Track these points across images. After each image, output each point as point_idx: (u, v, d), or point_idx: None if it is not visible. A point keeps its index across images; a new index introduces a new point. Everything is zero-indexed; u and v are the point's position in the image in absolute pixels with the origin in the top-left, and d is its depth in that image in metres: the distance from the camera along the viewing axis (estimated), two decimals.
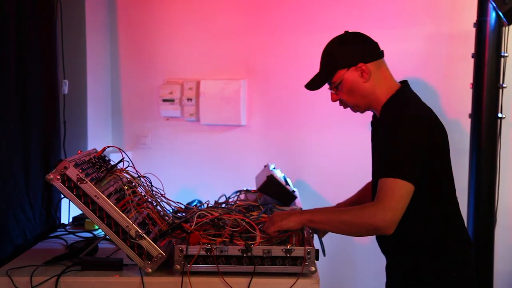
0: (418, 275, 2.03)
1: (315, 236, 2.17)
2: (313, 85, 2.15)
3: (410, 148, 1.91)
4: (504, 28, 2.96)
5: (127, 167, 2.24)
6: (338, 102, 2.19)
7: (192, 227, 2.06)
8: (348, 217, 1.94)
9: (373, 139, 2.19)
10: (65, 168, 1.98)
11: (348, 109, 2.20)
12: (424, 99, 2.13)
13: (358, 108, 2.15)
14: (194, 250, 1.98)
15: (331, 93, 2.16)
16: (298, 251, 1.98)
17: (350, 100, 2.12)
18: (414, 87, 2.16)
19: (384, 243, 2.15)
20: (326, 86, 2.17)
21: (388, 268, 2.19)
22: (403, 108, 2.00)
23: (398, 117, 1.95)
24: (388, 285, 2.20)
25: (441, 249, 2.01)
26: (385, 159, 1.93)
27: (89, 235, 2.60)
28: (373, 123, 2.20)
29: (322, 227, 2.07)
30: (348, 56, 2.08)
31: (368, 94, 2.09)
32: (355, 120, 2.85)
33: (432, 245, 2.01)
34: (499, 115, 2.99)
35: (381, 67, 2.10)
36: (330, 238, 2.29)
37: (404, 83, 2.15)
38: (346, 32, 2.15)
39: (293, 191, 2.81)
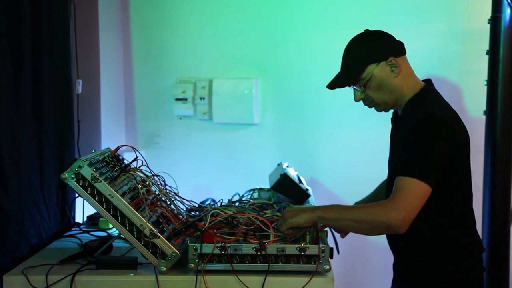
0: (427, 275, 2.01)
1: (329, 234, 2.16)
2: (338, 83, 2.10)
3: (431, 149, 1.89)
4: None
5: (140, 166, 2.25)
6: (351, 97, 2.14)
7: (206, 225, 2.06)
8: (360, 214, 1.92)
9: (393, 136, 2.17)
10: (80, 167, 1.99)
11: (362, 107, 2.18)
12: None
13: (385, 105, 2.10)
14: (208, 248, 1.98)
15: (355, 92, 2.10)
16: (312, 249, 1.98)
17: (378, 97, 2.07)
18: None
19: (395, 241, 2.13)
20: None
21: (396, 266, 2.17)
22: (427, 108, 1.96)
23: (421, 117, 1.92)
24: (395, 283, 2.18)
25: (453, 250, 2.00)
26: (404, 158, 1.91)
27: (103, 234, 2.61)
28: (394, 120, 2.18)
29: (333, 224, 2.05)
30: (377, 50, 2.04)
31: (396, 90, 2.05)
32: (369, 118, 2.85)
33: (444, 246, 1.99)
34: None
35: (406, 63, 2.08)
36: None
37: (428, 82, 2.12)
38: (367, 30, 2.11)
39: (307, 189, 2.80)
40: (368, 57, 2.04)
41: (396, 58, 2.03)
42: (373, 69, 2.03)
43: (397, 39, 2.11)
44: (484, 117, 3.06)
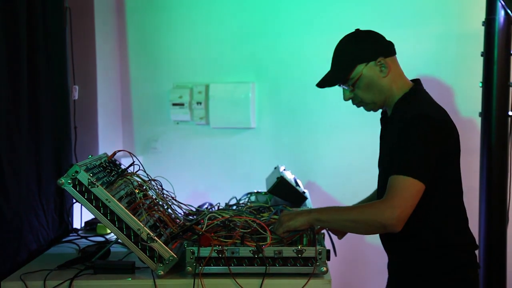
0: (421, 275, 2.02)
1: (326, 236, 2.17)
2: (327, 82, 2.11)
3: (423, 147, 1.90)
4: None
5: (137, 171, 2.26)
6: (348, 101, 2.16)
7: (203, 229, 2.07)
8: (356, 215, 1.93)
9: (382, 137, 2.18)
10: (76, 172, 2.00)
11: (358, 109, 2.19)
12: (435, 98, 2.11)
13: (374, 105, 2.11)
14: (205, 252, 1.98)
15: (344, 91, 2.11)
16: (309, 252, 1.98)
17: (366, 96, 2.08)
18: (424, 86, 2.15)
19: (388, 241, 2.14)
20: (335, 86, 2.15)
21: (390, 266, 2.18)
22: (417, 107, 1.98)
23: (412, 116, 1.93)
24: (390, 284, 2.19)
25: (446, 249, 2.00)
26: (397, 157, 1.92)
27: (101, 239, 2.62)
28: (383, 121, 2.19)
29: (330, 225, 2.06)
30: (367, 50, 2.05)
31: (385, 90, 2.06)
32: (365, 121, 2.85)
33: (437, 245, 2.00)
34: (510, 113, 2.98)
35: (396, 63, 2.09)
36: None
37: (417, 82, 2.13)
38: (357, 29, 2.13)
39: (304, 192, 2.81)
40: (358, 57, 2.05)
41: (386, 59, 2.04)
42: (362, 68, 2.04)
43: (392, 41, 2.12)
44: (479, 119, 3.07)
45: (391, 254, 2.16)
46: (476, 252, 2.10)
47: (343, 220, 1.96)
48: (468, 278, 2.04)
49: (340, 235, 2.24)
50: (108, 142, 3.46)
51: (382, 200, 1.89)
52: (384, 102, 2.10)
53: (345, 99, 2.13)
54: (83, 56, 3.24)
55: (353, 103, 2.15)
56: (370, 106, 2.13)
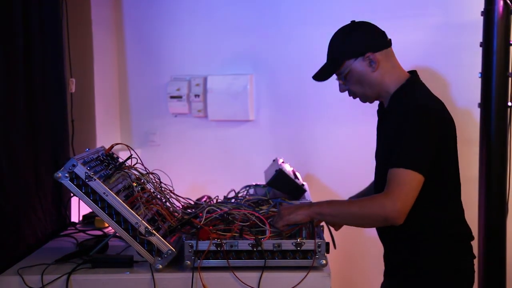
0: (417, 266, 2.02)
1: (325, 229, 2.16)
2: (320, 76, 2.14)
3: (421, 139, 1.90)
4: None
5: (135, 164, 2.24)
6: (346, 93, 2.18)
7: (202, 222, 2.06)
8: (357, 208, 1.93)
9: (379, 129, 2.18)
10: (73, 166, 1.98)
11: (357, 102, 2.19)
12: (433, 89, 2.11)
13: (367, 98, 2.14)
14: (204, 245, 1.97)
15: (339, 84, 2.15)
16: (309, 245, 1.97)
17: (358, 90, 2.11)
18: (422, 77, 2.15)
19: (383, 232, 2.14)
20: (334, 77, 2.15)
21: (386, 257, 2.18)
22: (413, 99, 1.98)
23: (409, 108, 1.94)
24: (386, 274, 2.19)
25: (441, 239, 2.00)
26: (395, 150, 1.92)
27: (99, 233, 2.61)
28: (380, 113, 2.19)
29: (331, 219, 2.06)
30: (355, 45, 2.06)
31: (376, 84, 2.07)
32: (364, 113, 2.84)
33: (433, 236, 2.00)
34: (509, 104, 2.97)
35: (389, 56, 2.09)
36: (341, 230, 2.27)
37: (413, 73, 2.13)
38: (352, 21, 2.13)
39: (302, 184, 2.80)
40: (346, 53, 2.07)
41: (375, 53, 2.05)
42: (351, 64, 2.06)
43: (390, 31, 2.11)
44: (478, 110, 3.06)
45: (387, 245, 2.16)
46: (472, 242, 2.10)
47: (345, 214, 1.96)
48: (464, 268, 2.05)
49: (337, 226, 2.24)
50: (105, 135, 3.45)
51: (383, 194, 1.88)
52: (378, 95, 2.12)
53: (341, 91, 2.17)
54: (80, 49, 3.22)
55: (349, 95, 2.18)
56: (364, 99, 2.16)
